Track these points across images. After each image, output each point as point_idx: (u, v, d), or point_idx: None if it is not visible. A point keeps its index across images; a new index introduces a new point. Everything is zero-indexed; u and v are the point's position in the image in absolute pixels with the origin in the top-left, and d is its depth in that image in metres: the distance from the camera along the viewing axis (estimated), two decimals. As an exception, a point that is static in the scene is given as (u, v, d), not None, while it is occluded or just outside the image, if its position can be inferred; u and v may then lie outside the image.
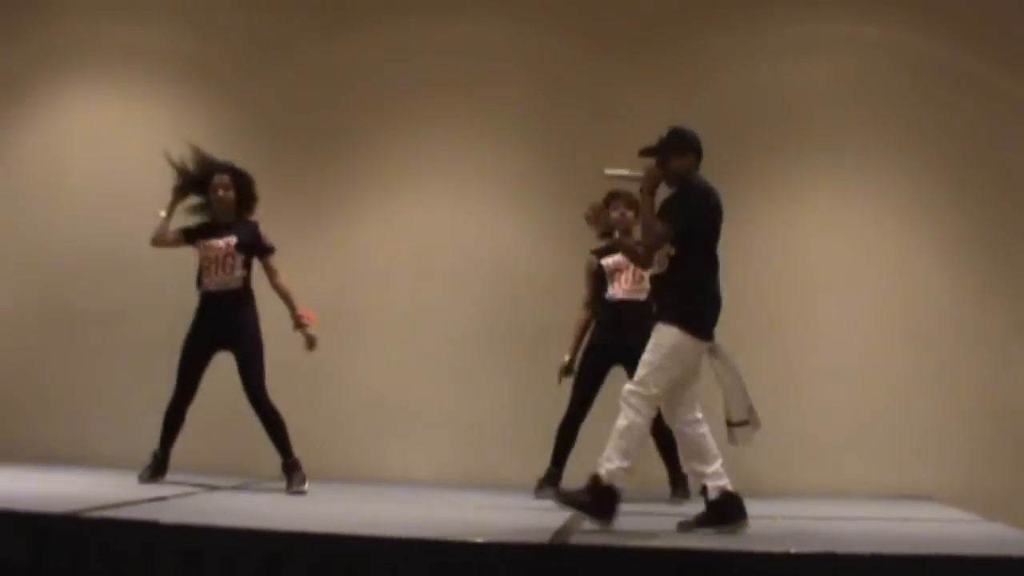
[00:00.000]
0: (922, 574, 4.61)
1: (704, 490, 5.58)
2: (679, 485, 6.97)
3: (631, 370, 5.72)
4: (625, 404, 5.38)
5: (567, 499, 5.51)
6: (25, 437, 8.38)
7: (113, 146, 8.84)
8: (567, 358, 7.13)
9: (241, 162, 8.67)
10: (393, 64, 8.52)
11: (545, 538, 5.08)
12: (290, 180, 8.59)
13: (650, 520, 6.12)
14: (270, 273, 7.10)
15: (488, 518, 5.72)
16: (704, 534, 5.39)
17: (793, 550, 4.75)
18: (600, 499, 5.37)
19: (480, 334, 8.04)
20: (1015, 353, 7.95)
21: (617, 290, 7.08)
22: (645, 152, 5.63)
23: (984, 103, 8.14)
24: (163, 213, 7.06)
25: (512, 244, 8.24)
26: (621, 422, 5.37)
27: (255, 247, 7.08)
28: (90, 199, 8.78)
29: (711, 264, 5.61)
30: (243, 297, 7.03)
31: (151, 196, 8.59)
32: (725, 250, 8.02)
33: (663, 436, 6.50)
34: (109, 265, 8.63)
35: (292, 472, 6.90)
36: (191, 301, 8.42)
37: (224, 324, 7.00)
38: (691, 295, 5.53)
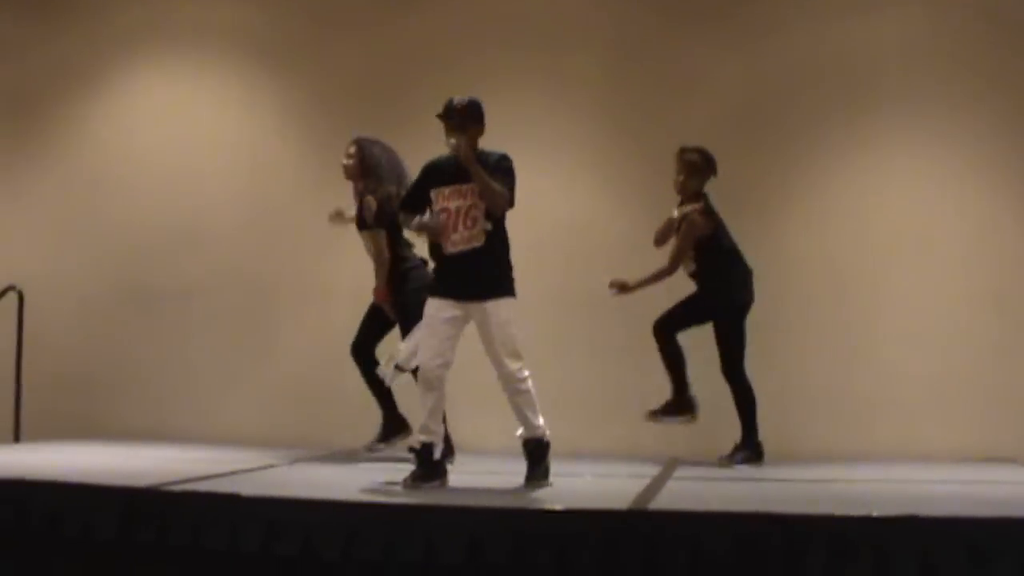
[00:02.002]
0: (1005, 537, 4.53)
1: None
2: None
3: None
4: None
5: None
6: (108, 414, 8.54)
7: (185, 126, 8.94)
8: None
9: (312, 140, 8.79)
10: (463, 39, 8.51)
11: (624, 504, 5.07)
12: (361, 152, 8.63)
13: (726, 485, 6.11)
14: None
15: (565, 486, 5.73)
16: None
17: (875, 513, 4.70)
18: None
19: (556, 304, 8.03)
20: (1102, 315, 7.79)
21: None
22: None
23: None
24: None
25: (588, 214, 8.22)
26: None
27: None
28: (163, 178, 8.89)
29: None
30: None
31: (222, 173, 8.74)
32: (801, 211, 8.05)
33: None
34: (185, 242, 8.74)
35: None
36: (266, 275, 8.56)
37: None
38: None
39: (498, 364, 5.66)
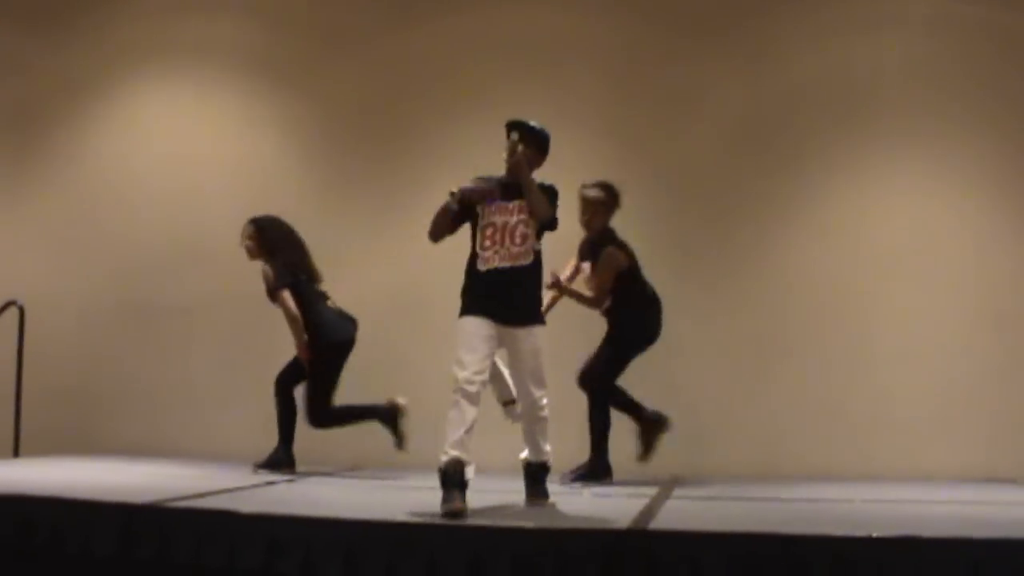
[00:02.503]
0: (1005, 558, 4.53)
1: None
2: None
3: None
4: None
5: None
6: (107, 430, 8.54)
7: (187, 142, 8.97)
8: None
9: (313, 155, 8.81)
10: (462, 56, 8.54)
11: (624, 523, 5.07)
12: (363, 173, 8.67)
13: (726, 504, 6.10)
14: None
15: (565, 505, 5.73)
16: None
17: (875, 533, 4.70)
18: None
19: (556, 321, 7.99)
20: (1098, 332, 7.80)
21: None
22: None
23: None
24: None
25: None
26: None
27: None
28: (165, 194, 8.91)
29: None
30: None
31: (224, 190, 8.75)
32: (802, 229, 8.06)
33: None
34: (186, 259, 8.75)
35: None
36: (266, 297, 8.55)
37: None
38: None
39: (525, 391, 5.62)
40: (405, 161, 8.55)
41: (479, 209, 5.56)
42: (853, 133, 8.13)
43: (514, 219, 5.53)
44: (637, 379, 7.91)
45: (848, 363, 7.97)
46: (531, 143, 5.62)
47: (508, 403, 5.99)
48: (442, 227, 5.63)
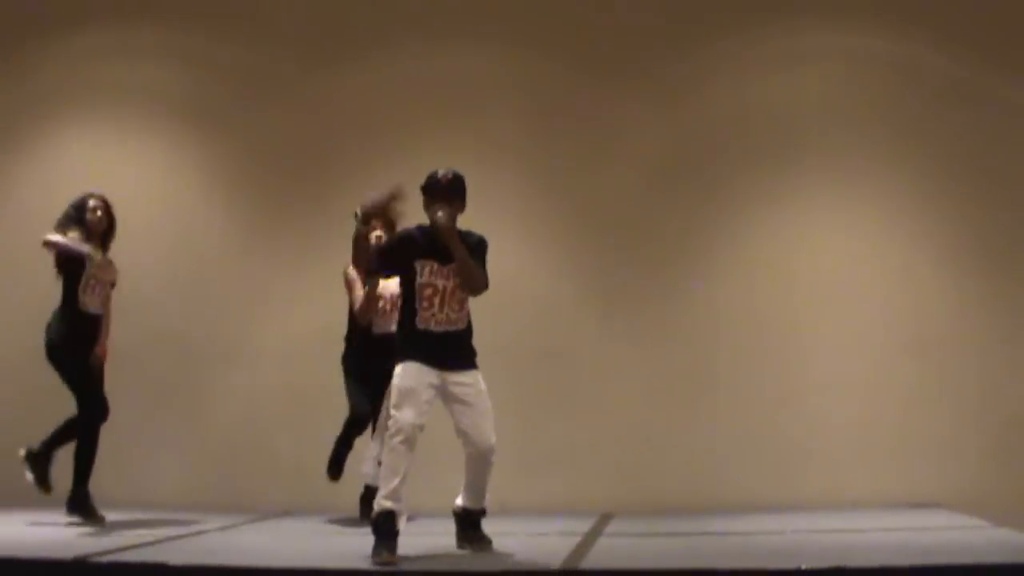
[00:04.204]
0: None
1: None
2: None
3: None
4: None
5: None
6: (27, 481, 8.36)
7: (109, 185, 8.77)
8: None
9: (237, 196, 8.75)
10: (387, 94, 8.54)
11: (557, 563, 5.07)
12: (286, 213, 8.63)
13: (659, 541, 6.13)
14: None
15: (498, 545, 5.71)
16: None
17: (804, 565, 4.74)
18: None
19: (483, 358, 8.01)
20: (1019, 358, 7.93)
21: None
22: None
23: (982, 110, 8.11)
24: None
25: (513, 268, 8.20)
26: None
27: None
28: (87, 239, 8.78)
29: None
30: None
31: (146, 236, 8.66)
32: (727, 263, 8.14)
33: None
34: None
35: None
36: (191, 337, 8.48)
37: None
38: None
39: (481, 437, 5.48)
40: (328, 201, 8.49)
41: (416, 265, 5.50)
42: (775, 170, 8.22)
43: (451, 283, 5.51)
44: (570, 416, 7.97)
45: (776, 393, 8.05)
46: (450, 199, 5.54)
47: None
48: (364, 255, 5.65)
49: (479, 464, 5.56)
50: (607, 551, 5.66)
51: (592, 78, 8.47)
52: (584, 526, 6.54)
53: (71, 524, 6.84)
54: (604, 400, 8.07)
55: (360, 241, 5.61)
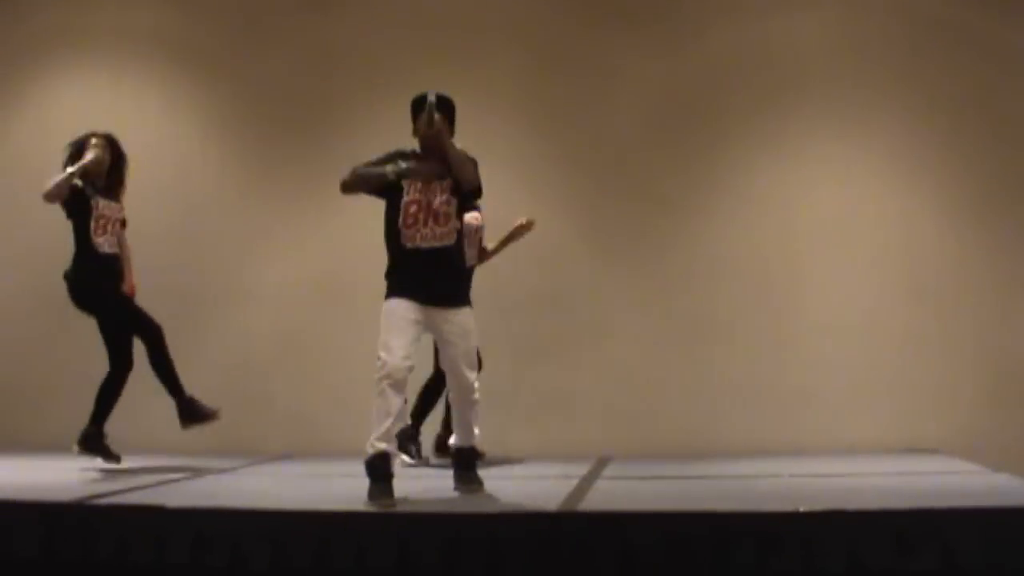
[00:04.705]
0: (929, 527, 4.61)
1: None
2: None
3: None
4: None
5: None
6: (29, 426, 8.38)
7: (104, 128, 8.78)
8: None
9: (234, 139, 8.70)
10: (383, 38, 8.48)
11: (554, 506, 5.08)
12: (283, 157, 8.59)
13: (655, 484, 6.14)
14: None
15: (495, 489, 5.72)
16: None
17: (801, 508, 4.75)
18: None
19: (480, 305, 8.02)
20: (1017, 305, 7.91)
21: None
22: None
23: (982, 52, 8.04)
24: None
25: (509, 212, 8.20)
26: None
27: None
28: (83, 182, 8.75)
29: None
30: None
31: (143, 175, 8.58)
32: (725, 208, 8.11)
33: None
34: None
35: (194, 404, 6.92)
36: (188, 280, 8.45)
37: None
38: None
39: (457, 374, 5.52)
40: (327, 144, 8.47)
41: (404, 184, 5.47)
42: (774, 110, 8.18)
43: (437, 199, 5.46)
44: (568, 361, 7.97)
45: (774, 338, 8.04)
46: (444, 111, 5.53)
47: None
48: (364, 187, 5.58)
49: (459, 401, 5.64)
50: (605, 494, 5.67)
51: (589, 24, 8.40)
52: (582, 470, 6.56)
53: (84, 465, 6.80)
54: (602, 344, 8.06)
55: (374, 179, 5.54)
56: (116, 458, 6.85)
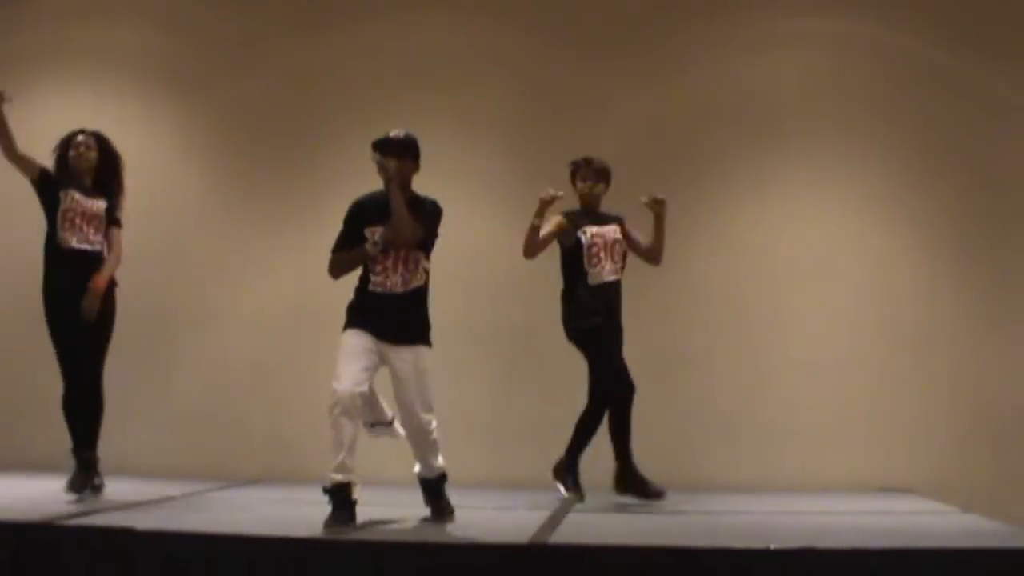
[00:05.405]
0: (902, 567, 4.63)
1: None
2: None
3: None
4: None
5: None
6: (6, 446, 8.31)
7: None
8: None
9: (212, 161, 8.70)
10: (366, 64, 8.49)
11: (524, 538, 5.07)
12: (261, 179, 8.58)
13: (627, 517, 6.13)
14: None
15: (467, 519, 5.71)
16: None
17: (773, 545, 4.75)
18: None
19: (458, 332, 8.02)
20: (992, 345, 7.98)
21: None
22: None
23: (958, 95, 8.15)
24: None
25: (489, 242, 8.21)
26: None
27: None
28: (62, 202, 8.70)
29: None
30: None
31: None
32: (705, 244, 8.14)
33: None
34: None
35: (92, 466, 6.47)
36: (166, 302, 8.40)
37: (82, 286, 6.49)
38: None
39: (411, 414, 5.52)
40: (307, 168, 8.48)
41: (367, 233, 5.54)
42: (755, 149, 8.23)
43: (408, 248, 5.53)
44: (544, 392, 7.96)
45: (750, 375, 8.06)
46: (401, 156, 5.55)
47: (375, 424, 5.89)
48: (351, 270, 5.65)
49: (415, 438, 5.64)
50: (576, 527, 5.66)
51: (574, 56, 8.44)
52: (554, 501, 6.54)
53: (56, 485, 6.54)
54: (576, 373, 8.04)
55: (355, 260, 5.62)
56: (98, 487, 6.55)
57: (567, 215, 6.79)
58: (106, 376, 8.20)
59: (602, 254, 6.70)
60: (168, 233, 8.58)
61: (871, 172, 8.17)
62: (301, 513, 5.97)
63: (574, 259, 6.71)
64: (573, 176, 6.94)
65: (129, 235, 8.09)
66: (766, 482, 7.62)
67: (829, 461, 7.81)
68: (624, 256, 6.83)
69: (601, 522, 5.97)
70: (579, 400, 7.94)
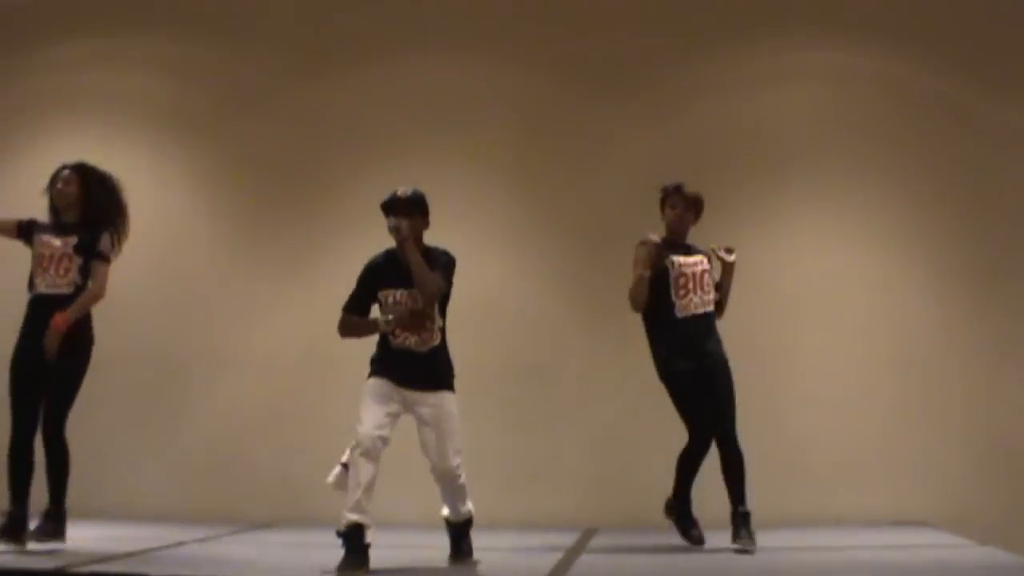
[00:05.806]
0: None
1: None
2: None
3: None
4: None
5: None
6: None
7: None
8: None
9: (222, 206, 8.72)
10: (374, 107, 8.54)
11: (538, 579, 5.06)
12: (272, 223, 8.61)
13: (640, 557, 6.10)
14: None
15: (482, 561, 5.69)
16: None
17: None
18: None
19: (468, 373, 8.02)
20: (1003, 377, 7.96)
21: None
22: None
23: (965, 126, 8.17)
24: None
25: (499, 283, 8.23)
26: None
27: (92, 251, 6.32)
28: (72, 248, 8.74)
29: None
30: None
31: (132, 244, 8.60)
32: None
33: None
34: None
35: (59, 522, 6.18)
36: (175, 346, 8.41)
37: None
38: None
39: (441, 458, 5.52)
40: (315, 213, 8.51)
41: (380, 297, 5.62)
42: (762, 181, 8.25)
43: (419, 304, 5.54)
44: (555, 430, 7.95)
45: (760, 409, 8.00)
46: (410, 214, 5.55)
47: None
48: (358, 336, 5.69)
49: (442, 483, 5.65)
50: (589, 567, 5.64)
51: (581, 94, 8.48)
52: (567, 541, 6.53)
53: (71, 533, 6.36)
54: (589, 415, 8.06)
55: (366, 329, 5.68)
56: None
57: (652, 244, 6.46)
58: (117, 420, 8.23)
59: (690, 285, 6.47)
60: (178, 277, 8.62)
61: (879, 205, 8.18)
62: (313, 557, 5.96)
63: (660, 291, 6.44)
64: (663, 203, 6.69)
65: (138, 279, 8.16)
66: (780, 517, 7.56)
67: (841, 495, 7.78)
68: (715, 288, 6.58)
69: (614, 562, 5.94)
70: (591, 439, 7.94)
